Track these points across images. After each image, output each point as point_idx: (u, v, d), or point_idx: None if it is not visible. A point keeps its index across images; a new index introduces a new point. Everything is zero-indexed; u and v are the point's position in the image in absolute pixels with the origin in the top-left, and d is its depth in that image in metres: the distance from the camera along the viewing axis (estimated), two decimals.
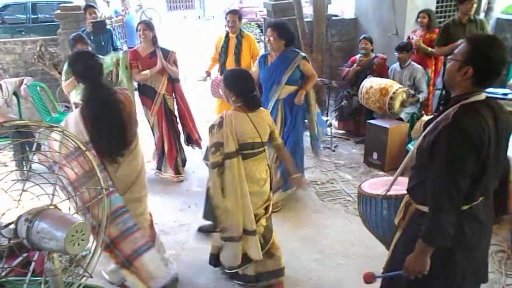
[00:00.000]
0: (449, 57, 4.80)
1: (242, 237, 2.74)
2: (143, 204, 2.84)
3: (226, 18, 4.81)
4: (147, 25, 4.40)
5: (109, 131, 2.54)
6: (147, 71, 4.37)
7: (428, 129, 1.87)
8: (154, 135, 4.72)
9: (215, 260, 3.02)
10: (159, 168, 4.77)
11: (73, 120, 2.56)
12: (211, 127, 2.69)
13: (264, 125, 2.74)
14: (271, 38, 3.71)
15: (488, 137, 1.73)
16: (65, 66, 4.29)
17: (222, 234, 2.80)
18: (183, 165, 4.81)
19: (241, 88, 2.70)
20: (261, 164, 2.79)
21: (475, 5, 4.79)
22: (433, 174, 1.81)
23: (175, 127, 4.69)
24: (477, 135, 1.71)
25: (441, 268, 1.91)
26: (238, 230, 2.72)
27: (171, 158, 4.66)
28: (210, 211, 2.78)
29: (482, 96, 1.82)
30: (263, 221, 2.83)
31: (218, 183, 2.68)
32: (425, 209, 1.89)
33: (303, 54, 3.88)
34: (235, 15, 4.75)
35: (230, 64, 4.76)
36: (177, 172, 4.70)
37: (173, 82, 4.57)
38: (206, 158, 2.85)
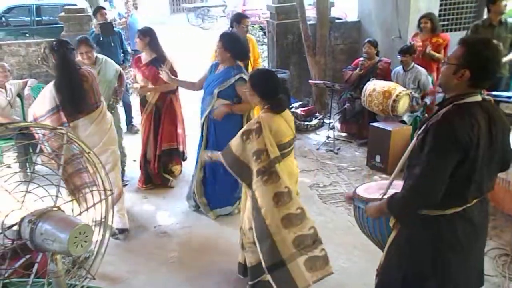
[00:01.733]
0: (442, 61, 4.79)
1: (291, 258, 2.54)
2: (113, 156, 3.47)
3: (237, 22, 4.68)
4: (140, 33, 4.18)
5: (71, 95, 3.22)
6: (151, 88, 4.23)
7: (421, 129, 1.87)
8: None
9: (243, 269, 2.93)
10: (147, 182, 4.50)
11: (48, 88, 3.29)
12: (247, 133, 2.58)
13: (292, 121, 2.77)
14: (217, 49, 3.60)
15: (477, 137, 1.73)
16: None
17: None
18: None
19: (272, 90, 2.66)
20: (293, 157, 2.82)
21: (507, 5, 4.67)
22: (421, 164, 1.79)
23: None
24: (465, 134, 1.71)
25: (431, 268, 1.91)
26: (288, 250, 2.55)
27: (154, 170, 4.44)
28: (270, 246, 2.50)
29: (478, 97, 1.82)
30: None
31: (267, 192, 2.52)
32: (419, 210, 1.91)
33: (244, 76, 3.53)
34: (248, 19, 4.80)
35: None
36: (165, 179, 4.54)
37: (166, 93, 4.34)
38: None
